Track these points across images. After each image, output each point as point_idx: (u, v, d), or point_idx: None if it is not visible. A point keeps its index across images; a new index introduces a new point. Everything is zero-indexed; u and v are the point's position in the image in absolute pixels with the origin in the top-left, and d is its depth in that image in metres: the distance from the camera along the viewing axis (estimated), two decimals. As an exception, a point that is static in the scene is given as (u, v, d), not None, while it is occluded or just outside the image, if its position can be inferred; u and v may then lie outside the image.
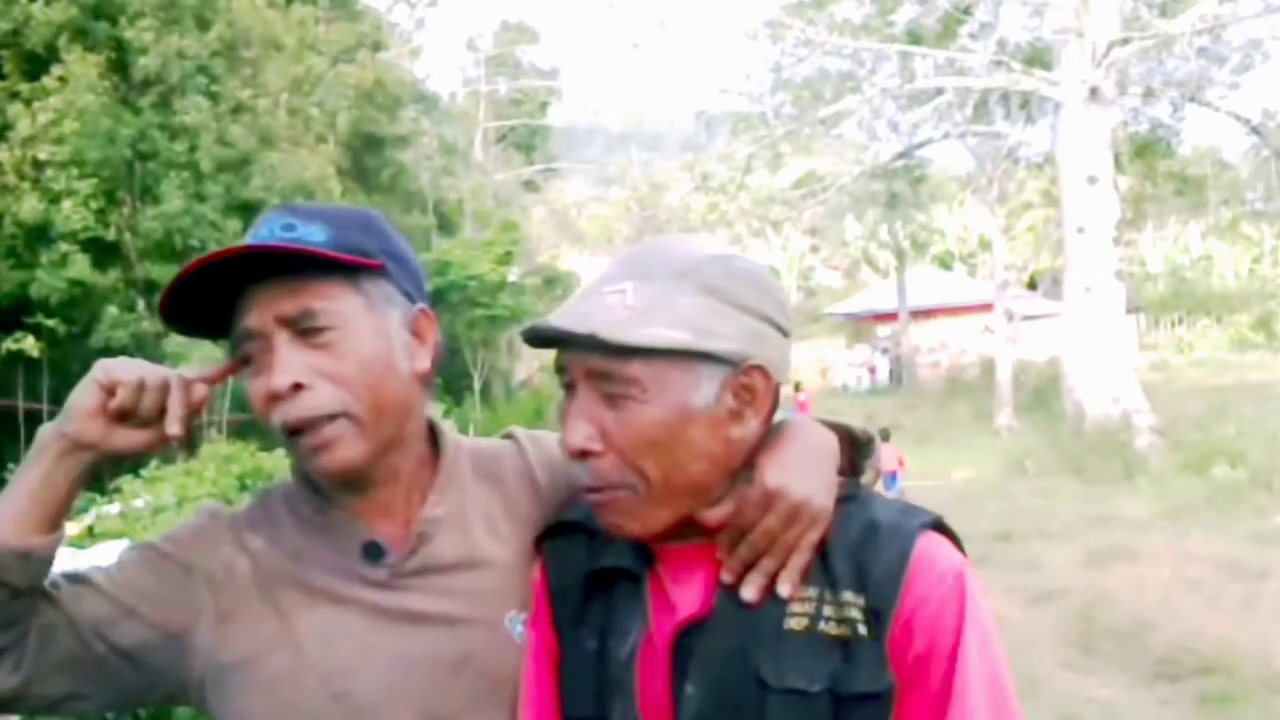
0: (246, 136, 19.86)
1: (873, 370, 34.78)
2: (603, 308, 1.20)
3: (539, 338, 1.24)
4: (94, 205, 18.86)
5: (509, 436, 1.61)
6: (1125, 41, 15.94)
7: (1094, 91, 15.59)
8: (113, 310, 18.49)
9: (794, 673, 1.17)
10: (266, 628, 1.40)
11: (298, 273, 1.32)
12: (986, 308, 24.55)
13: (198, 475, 8.93)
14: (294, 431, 1.33)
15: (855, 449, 1.34)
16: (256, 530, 1.47)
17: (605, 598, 1.33)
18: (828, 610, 1.19)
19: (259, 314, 1.33)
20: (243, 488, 9.06)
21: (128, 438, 1.33)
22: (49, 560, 1.33)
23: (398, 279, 1.41)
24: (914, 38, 19.04)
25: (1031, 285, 35.16)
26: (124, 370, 1.32)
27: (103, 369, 1.32)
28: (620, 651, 1.28)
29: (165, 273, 19.27)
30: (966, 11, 18.71)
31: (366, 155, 24.00)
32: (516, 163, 40.06)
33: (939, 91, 18.39)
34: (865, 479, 1.32)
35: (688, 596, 1.26)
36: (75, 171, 18.56)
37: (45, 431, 1.33)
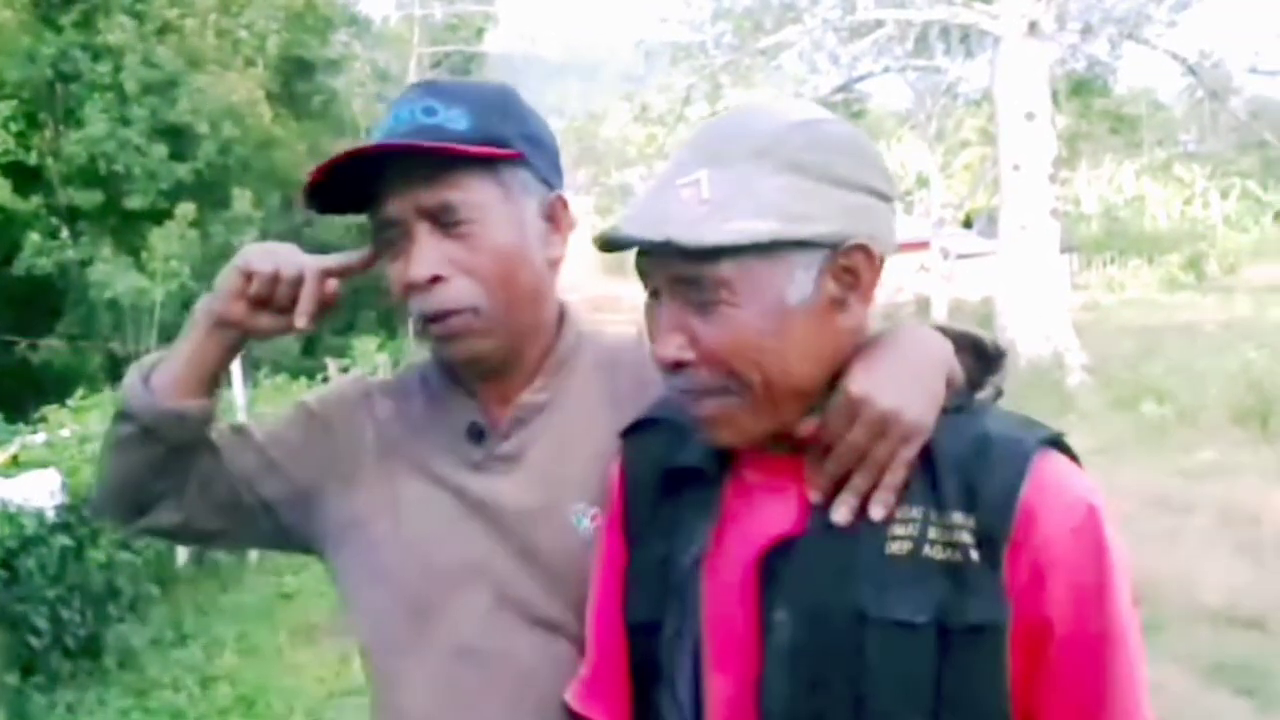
0: (173, 58, 19.25)
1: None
2: (677, 204, 1.08)
3: (614, 246, 1.12)
4: (14, 128, 18.29)
5: (639, 330, 1.57)
6: (1066, -24, 15.96)
7: (1033, 26, 15.57)
8: (35, 237, 17.96)
9: (898, 602, 1.05)
10: (379, 493, 1.49)
11: (438, 162, 1.34)
12: (923, 245, 24.65)
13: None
14: (429, 320, 1.38)
15: (982, 362, 1.21)
16: (388, 397, 1.56)
17: (678, 500, 1.24)
18: (933, 533, 1.06)
19: (399, 203, 1.36)
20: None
21: (267, 321, 1.42)
22: (206, 420, 1.45)
23: (535, 165, 1.43)
24: (856, -31, 18.92)
25: (967, 223, 35.36)
26: (261, 260, 1.39)
27: (244, 256, 1.41)
28: (684, 557, 1.19)
29: (89, 198, 18.80)
30: (908, -56, 18.59)
31: (297, 79, 23.44)
32: (452, 91, 39.32)
33: (879, 24, 18.31)
34: (982, 395, 1.18)
35: (778, 512, 1.15)
36: (-6, 92, 18.01)
37: (200, 305, 1.44)
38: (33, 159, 18.85)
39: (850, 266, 1.10)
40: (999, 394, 1.20)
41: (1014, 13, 15.66)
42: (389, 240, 1.39)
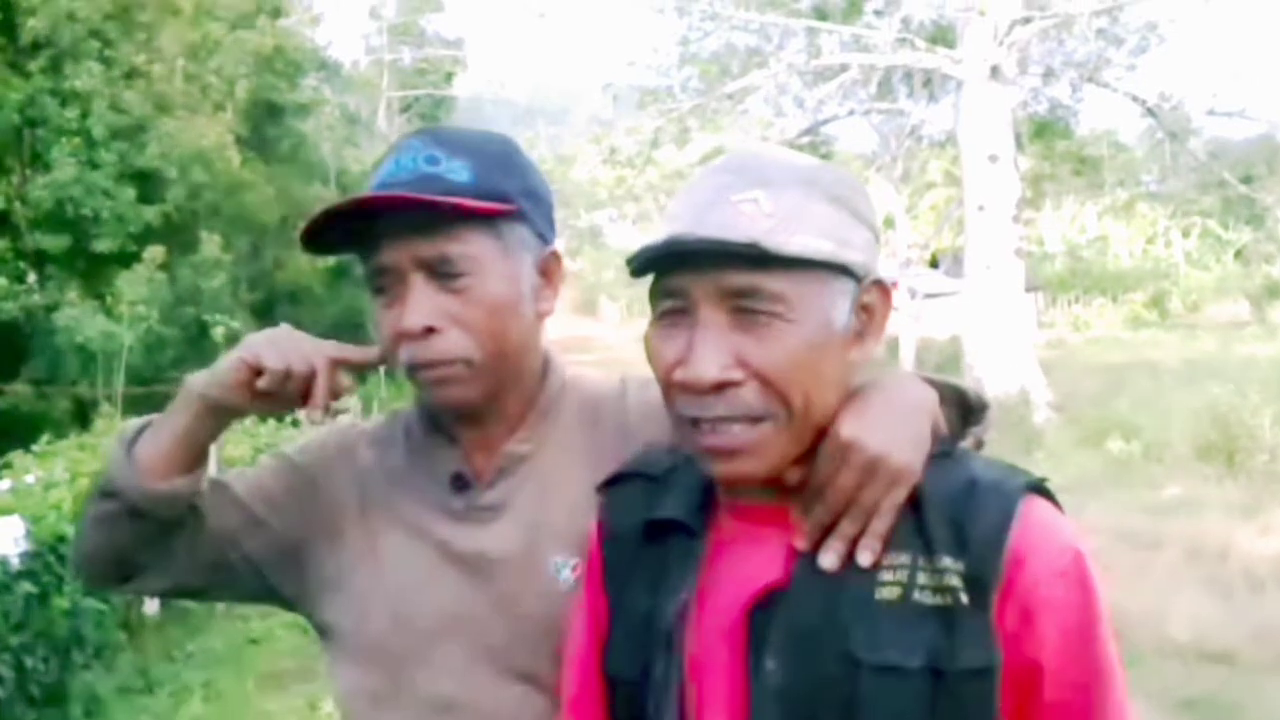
0: (141, 103, 19.25)
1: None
2: (741, 216, 1.06)
3: (656, 257, 1.09)
4: (-19, 174, 18.21)
5: (623, 380, 1.60)
6: (1026, 21, 16.15)
7: (995, 70, 15.76)
8: (1, 281, 17.81)
9: (890, 648, 1.05)
10: (360, 546, 1.49)
11: (439, 214, 1.33)
12: (890, 285, 24.70)
13: (92, 449, 8.69)
14: (417, 367, 1.38)
15: (965, 412, 1.23)
16: (372, 447, 1.55)
17: (660, 552, 1.23)
18: (922, 578, 1.07)
19: (396, 252, 1.36)
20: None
21: (269, 406, 1.40)
22: (192, 495, 1.43)
23: (533, 220, 1.44)
24: (820, 14, 19.13)
25: (933, 263, 35.57)
26: (272, 356, 1.35)
27: (251, 350, 1.36)
28: (669, 607, 1.17)
29: (56, 243, 18.68)
30: (872, -12, 18.82)
31: (266, 124, 23.44)
32: (421, 134, 39.33)
33: (844, 68, 18.48)
34: (965, 444, 1.20)
35: (763, 561, 1.14)
36: (-39, 138, 17.89)
37: (192, 386, 1.40)
38: (0, 204, 18.73)
39: (870, 304, 1.15)
40: (981, 444, 1.22)
41: (976, 57, 15.85)
42: (383, 285, 1.38)
